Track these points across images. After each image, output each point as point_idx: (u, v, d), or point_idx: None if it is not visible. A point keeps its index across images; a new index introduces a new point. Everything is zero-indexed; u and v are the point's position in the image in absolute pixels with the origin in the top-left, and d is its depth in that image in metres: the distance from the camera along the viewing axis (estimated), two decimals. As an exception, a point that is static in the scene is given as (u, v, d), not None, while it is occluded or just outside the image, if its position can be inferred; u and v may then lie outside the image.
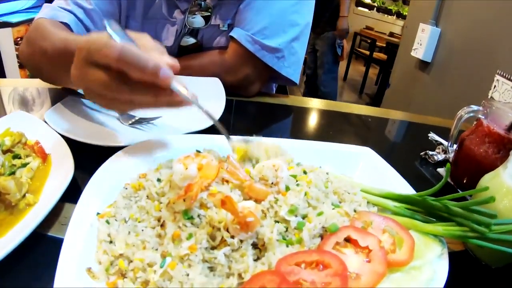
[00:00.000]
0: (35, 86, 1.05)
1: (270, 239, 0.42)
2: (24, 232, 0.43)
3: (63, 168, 0.57)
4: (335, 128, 1.01)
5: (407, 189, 0.60)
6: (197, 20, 1.02)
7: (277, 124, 0.99)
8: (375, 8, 9.47)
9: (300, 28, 1.01)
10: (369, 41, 6.26)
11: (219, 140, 0.62)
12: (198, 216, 0.44)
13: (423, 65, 2.35)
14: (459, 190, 0.68)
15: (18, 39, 3.95)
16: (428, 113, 2.28)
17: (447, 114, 2.11)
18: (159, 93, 0.52)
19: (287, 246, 0.43)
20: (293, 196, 0.48)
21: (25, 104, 0.94)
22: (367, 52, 5.61)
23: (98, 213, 0.46)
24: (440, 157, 0.84)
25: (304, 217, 0.47)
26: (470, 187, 0.56)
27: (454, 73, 2.16)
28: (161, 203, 0.45)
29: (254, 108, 1.01)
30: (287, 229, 0.45)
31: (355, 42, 6.76)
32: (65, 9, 0.93)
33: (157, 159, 0.58)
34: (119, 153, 0.57)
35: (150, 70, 0.49)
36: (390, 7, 9.39)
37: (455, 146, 0.76)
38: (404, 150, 0.95)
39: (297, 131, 0.96)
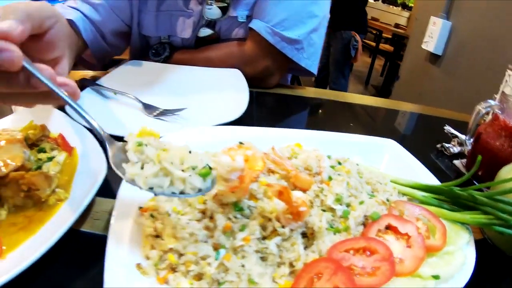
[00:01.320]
0: None
1: (320, 228, 0.43)
2: (60, 229, 0.42)
3: (91, 162, 0.56)
4: (352, 120, 1.00)
5: (432, 180, 0.61)
6: (214, 11, 1.00)
7: (297, 116, 0.99)
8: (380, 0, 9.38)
9: (319, 20, 1.00)
10: (374, 31, 6.20)
11: (252, 131, 0.62)
12: (248, 207, 0.43)
13: (434, 58, 2.33)
14: (475, 182, 0.70)
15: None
16: (438, 105, 2.28)
17: (457, 107, 2.11)
18: (11, 79, 0.41)
19: (335, 234, 0.45)
20: (336, 186, 0.49)
21: None
22: (373, 44, 5.55)
23: (140, 207, 0.45)
24: (456, 149, 0.85)
25: (347, 205, 0.48)
26: (486, 179, 0.58)
27: (465, 66, 2.14)
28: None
29: (272, 100, 1.00)
30: (332, 217, 0.47)
31: (361, 33, 6.70)
32: (72, 7, 0.93)
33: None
34: None
35: None
36: (395, -2, 9.29)
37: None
38: (419, 142, 0.95)
39: (317, 123, 0.95)
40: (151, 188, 0.38)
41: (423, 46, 2.33)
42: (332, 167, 0.54)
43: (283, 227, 0.42)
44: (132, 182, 0.38)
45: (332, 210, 0.47)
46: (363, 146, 0.69)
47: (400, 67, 2.68)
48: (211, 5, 0.99)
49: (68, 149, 0.61)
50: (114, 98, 0.78)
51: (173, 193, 0.39)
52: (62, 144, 0.62)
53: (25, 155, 0.53)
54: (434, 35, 2.27)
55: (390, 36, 5.34)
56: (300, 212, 0.42)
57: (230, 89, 0.85)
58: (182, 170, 0.38)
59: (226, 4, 1.00)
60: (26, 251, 0.41)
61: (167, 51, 1.03)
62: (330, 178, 0.50)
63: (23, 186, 0.48)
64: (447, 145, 0.86)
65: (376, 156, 0.68)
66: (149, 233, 0.42)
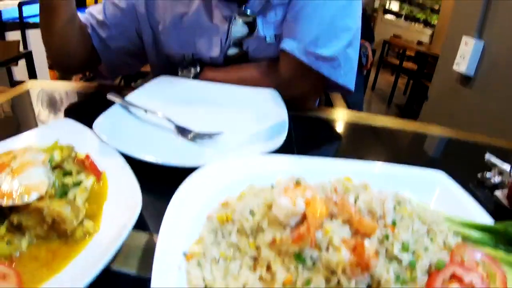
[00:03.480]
0: (68, 88, 1.04)
1: (388, 280, 0.38)
2: (90, 270, 0.36)
3: (123, 188, 0.51)
4: (387, 146, 0.94)
5: (484, 217, 0.55)
6: (240, 28, 0.96)
7: (329, 141, 0.92)
8: (402, 16, 9.36)
9: (353, 32, 0.94)
10: (396, 49, 6.13)
11: (297, 163, 0.56)
12: (311, 258, 0.38)
13: (465, 79, 2.25)
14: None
15: (49, 39, 4.01)
16: (470, 128, 2.19)
17: (491, 130, 2.02)
18: None
19: (401, 285, 0.39)
20: (402, 231, 0.43)
21: (59, 108, 0.92)
22: (396, 61, 5.47)
23: (185, 253, 0.39)
24: (497, 179, 0.77)
25: (413, 253, 0.43)
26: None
27: (499, 88, 2.05)
28: (255, 239, 0.39)
29: (304, 122, 0.93)
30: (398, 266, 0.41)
31: (384, 51, 6.64)
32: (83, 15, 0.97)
33: (235, 185, 0.51)
34: (192, 177, 0.50)
35: None
36: (418, 15, 9.26)
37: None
38: (456, 170, 0.87)
39: (353, 149, 0.89)
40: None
41: (455, 68, 2.25)
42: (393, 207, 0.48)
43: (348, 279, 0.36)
44: None
45: (396, 258, 0.41)
46: (411, 178, 0.63)
47: (429, 88, 2.59)
48: (236, 19, 0.95)
49: (97, 173, 0.56)
50: (144, 117, 0.73)
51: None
52: (90, 167, 0.57)
53: (50, 181, 0.48)
54: (465, 55, 2.19)
55: (413, 54, 5.24)
56: (370, 264, 0.37)
57: (268, 111, 0.80)
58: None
59: (251, 19, 0.95)
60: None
61: (197, 67, 0.99)
62: (394, 223, 0.44)
63: (47, 218, 0.44)
64: (488, 175, 0.78)
65: (425, 189, 0.61)
66: (196, 284, 0.36)
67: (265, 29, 0.96)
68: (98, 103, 0.80)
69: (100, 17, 1.00)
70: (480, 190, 0.75)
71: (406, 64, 5.34)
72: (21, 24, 3.97)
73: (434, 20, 8.89)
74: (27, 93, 1.00)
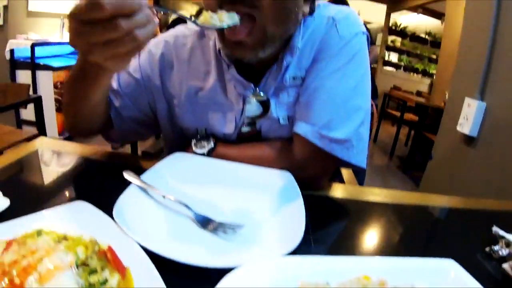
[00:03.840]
0: (78, 152, 1.04)
1: None
2: None
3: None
4: (395, 224, 0.92)
5: None
6: (254, 107, 0.98)
7: (345, 223, 0.90)
8: (401, 67, 9.63)
9: (364, 112, 0.96)
10: (396, 100, 6.24)
11: (320, 263, 0.55)
12: None
13: (469, 139, 2.28)
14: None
15: (58, 83, 4.09)
16: (474, 189, 2.20)
17: (496, 191, 2.02)
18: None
19: None
20: None
21: (70, 177, 0.91)
22: (397, 113, 5.56)
23: None
24: (505, 252, 0.76)
25: None
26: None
27: (502, 149, 2.08)
28: None
29: (317, 204, 0.91)
30: None
31: (385, 103, 6.76)
32: None
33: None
34: (223, 283, 0.50)
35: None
36: (416, 66, 9.54)
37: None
38: (463, 243, 0.86)
39: (360, 230, 0.87)
40: None
41: (458, 128, 2.29)
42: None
43: None
44: None
45: None
46: (424, 270, 0.61)
47: (433, 147, 2.63)
48: (250, 99, 0.97)
49: (122, 269, 0.55)
50: (163, 201, 0.73)
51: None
52: (114, 262, 0.56)
53: (79, 286, 0.48)
54: (469, 117, 2.24)
55: (413, 105, 5.34)
56: None
57: (283, 197, 0.80)
58: None
59: (265, 99, 0.97)
60: None
61: (211, 143, 0.99)
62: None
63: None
64: (495, 247, 0.77)
65: (436, 280, 0.60)
66: None
67: (278, 110, 0.98)
68: (113, 175, 0.80)
69: (114, 85, 1.02)
70: (488, 263, 0.74)
71: (407, 115, 5.43)
72: (32, 65, 4.06)
73: (432, 69, 9.16)
74: (35, 154, 1.00)
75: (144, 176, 0.79)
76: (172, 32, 1.09)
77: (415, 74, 9.45)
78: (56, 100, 4.09)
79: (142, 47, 0.58)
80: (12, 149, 0.96)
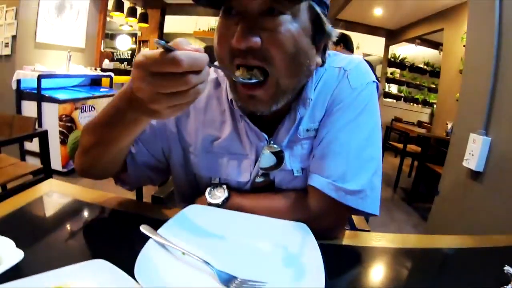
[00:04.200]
0: (87, 197, 1.02)
1: None
2: None
3: None
4: (408, 268, 0.90)
5: None
6: (268, 159, 0.98)
7: (360, 272, 0.88)
8: (402, 98, 9.73)
9: (377, 161, 0.96)
10: (398, 132, 6.26)
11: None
12: None
13: (475, 174, 2.27)
14: None
15: (63, 116, 4.13)
16: (483, 223, 2.17)
17: (504, 226, 1.99)
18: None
19: None
20: None
21: (81, 229, 0.89)
22: (400, 145, 5.56)
23: None
24: None
25: None
26: None
27: (509, 182, 2.06)
28: None
29: (334, 254, 0.91)
30: None
31: (387, 135, 6.79)
32: None
33: None
34: None
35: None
36: (416, 96, 9.65)
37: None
38: (473, 283, 0.84)
39: (377, 278, 0.85)
40: None
41: (464, 164, 2.29)
42: None
43: None
44: None
45: None
46: None
47: (440, 182, 2.61)
48: (264, 150, 0.97)
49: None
50: (182, 258, 0.72)
51: None
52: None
53: None
54: (475, 152, 2.24)
55: (415, 136, 5.36)
56: None
57: (301, 251, 0.79)
58: None
59: (279, 149, 0.97)
60: None
61: (225, 193, 0.98)
62: None
63: None
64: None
65: None
66: None
67: (292, 163, 0.98)
68: (128, 226, 0.79)
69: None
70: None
71: (409, 146, 5.43)
72: (38, 96, 4.11)
73: (432, 99, 9.27)
74: (46, 199, 0.99)
75: (161, 230, 0.78)
76: None
77: (415, 105, 9.54)
78: (61, 133, 4.10)
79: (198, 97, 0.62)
80: (21, 194, 0.95)
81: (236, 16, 0.80)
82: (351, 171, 0.92)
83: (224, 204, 0.97)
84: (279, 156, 0.97)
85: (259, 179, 1.02)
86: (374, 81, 1.00)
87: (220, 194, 0.98)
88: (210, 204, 0.97)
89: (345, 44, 3.84)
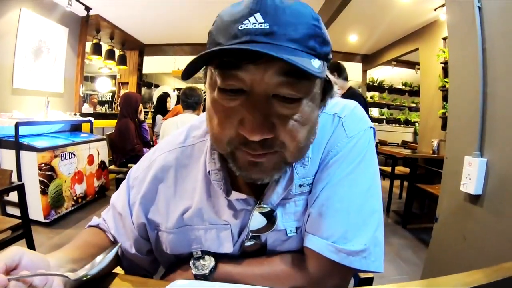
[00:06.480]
0: None
1: None
2: None
3: None
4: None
5: None
6: (257, 219, 0.86)
7: None
8: (384, 121, 9.89)
9: (379, 213, 0.86)
10: (384, 155, 6.25)
11: None
12: None
13: (474, 198, 2.22)
14: None
15: (43, 164, 3.96)
16: (487, 246, 2.10)
17: (507, 250, 1.93)
18: None
19: None
20: None
21: None
22: (388, 169, 5.54)
23: None
24: None
25: None
26: None
27: (510, 201, 2.01)
28: None
29: None
30: None
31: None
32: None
33: None
34: None
35: None
36: (398, 117, 9.82)
37: None
38: None
39: None
40: None
41: (462, 189, 2.23)
42: None
43: None
44: None
45: None
46: None
47: (437, 208, 2.56)
48: (253, 212, 0.86)
49: None
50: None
51: None
52: None
53: None
54: (472, 175, 2.19)
55: (402, 156, 5.36)
56: None
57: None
58: None
59: (269, 209, 0.86)
60: None
61: (212, 263, 0.87)
62: None
63: None
64: None
65: None
66: None
67: (285, 221, 0.87)
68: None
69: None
70: None
71: (398, 169, 5.42)
72: (16, 145, 3.97)
73: (414, 117, 9.44)
74: None
75: None
76: (156, 164, 0.97)
77: (397, 125, 9.69)
78: (41, 182, 3.92)
79: None
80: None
81: (239, 94, 0.68)
82: (353, 229, 0.81)
83: (211, 274, 0.86)
84: (270, 216, 0.86)
85: (248, 243, 0.90)
86: (371, 127, 0.92)
87: (206, 263, 0.87)
88: (196, 276, 0.86)
89: (339, 73, 3.80)
